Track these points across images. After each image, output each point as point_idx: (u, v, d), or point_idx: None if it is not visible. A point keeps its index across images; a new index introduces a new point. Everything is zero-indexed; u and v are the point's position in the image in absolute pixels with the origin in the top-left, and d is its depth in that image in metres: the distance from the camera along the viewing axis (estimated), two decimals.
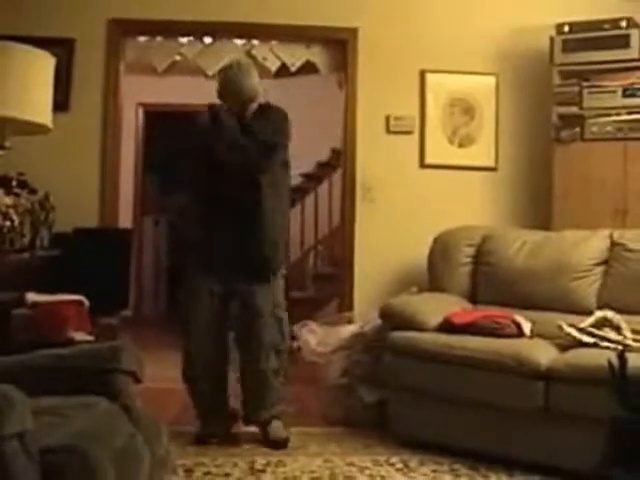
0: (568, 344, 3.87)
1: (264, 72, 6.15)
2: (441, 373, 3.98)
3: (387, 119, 5.62)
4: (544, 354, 3.78)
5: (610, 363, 2.66)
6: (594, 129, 5.18)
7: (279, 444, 4.10)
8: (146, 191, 9.14)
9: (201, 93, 7.86)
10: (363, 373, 4.60)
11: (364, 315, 5.02)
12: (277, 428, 4.19)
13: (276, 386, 4.19)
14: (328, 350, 4.70)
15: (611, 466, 2.44)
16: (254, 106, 4.20)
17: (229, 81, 4.17)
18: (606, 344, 3.73)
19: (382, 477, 3.68)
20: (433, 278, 4.99)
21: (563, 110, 5.27)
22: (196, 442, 4.09)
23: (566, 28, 5.25)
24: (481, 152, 5.71)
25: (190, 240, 4.33)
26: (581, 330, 3.89)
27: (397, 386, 4.21)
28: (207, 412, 4.23)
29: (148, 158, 8.96)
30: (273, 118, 4.16)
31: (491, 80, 5.70)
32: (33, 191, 4.63)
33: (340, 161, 5.95)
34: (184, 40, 5.80)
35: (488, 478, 3.68)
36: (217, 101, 4.21)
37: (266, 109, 4.23)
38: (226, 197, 4.10)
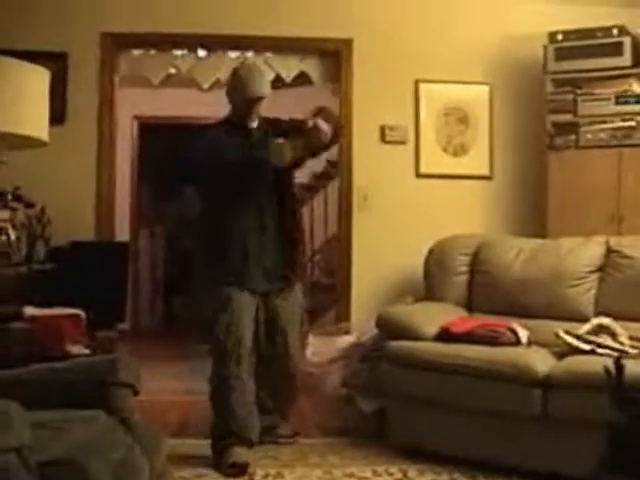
0: (565, 351, 3.88)
1: None
2: (439, 382, 3.98)
3: (382, 129, 5.64)
4: (541, 362, 3.78)
5: (607, 369, 2.67)
6: (588, 136, 5.20)
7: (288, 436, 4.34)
8: (142, 203, 9.15)
9: (196, 105, 7.94)
10: (361, 383, 4.59)
11: (361, 325, 5.02)
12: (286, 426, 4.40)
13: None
14: (324, 360, 4.70)
15: (608, 472, 2.45)
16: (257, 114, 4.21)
17: (239, 78, 4.14)
18: (603, 351, 3.73)
19: None
20: (429, 287, 4.99)
21: (557, 118, 5.30)
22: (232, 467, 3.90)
23: (559, 36, 5.28)
24: (476, 161, 5.73)
25: (207, 249, 4.23)
26: (578, 337, 3.90)
27: (395, 396, 4.21)
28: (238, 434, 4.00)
29: (143, 169, 8.97)
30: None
31: (485, 89, 5.73)
32: (29, 205, 4.63)
33: (336, 171, 5.96)
34: (178, 53, 5.82)
35: None
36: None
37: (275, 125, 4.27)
38: (253, 200, 4.11)
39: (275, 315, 4.17)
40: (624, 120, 5.12)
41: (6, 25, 5.27)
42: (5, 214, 4.10)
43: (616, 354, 3.50)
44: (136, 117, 8.60)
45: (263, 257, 4.10)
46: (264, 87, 4.14)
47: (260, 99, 4.12)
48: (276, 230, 4.14)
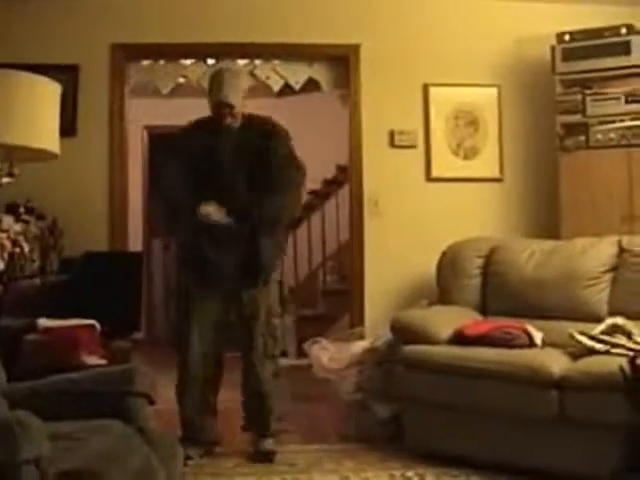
0: (580, 352, 3.87)
1: (267, 91, 6.20)
2: (454, 385, 3.98)
3: (391, 134, 5.64)
4: (556, 363, 3.78)
5: (622, 369, 2.66)
6: (598, 136, 5.19)
7: (264, 456, 4.12)
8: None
9: (205, 114, 7.95)
10: (376, 388, 4.59)
11: (375, 330, 5.02)
12: (268, 443, 4.20)
13: (271, 394, 4.20)
14: (340, 366, 4.70)
15: (626, 472, 2.44)
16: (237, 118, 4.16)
17: (211, 81, 4.19)
18: (618, 351, 3.72)
19: None
20: (443, 291, 4.99)
21: (566, 119, 5.29)
22: None
23: (567, 37, 5.27)
24: (486, 163, 5.72)
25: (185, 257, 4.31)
26: (592, 337, 3.89)
27: (410, 400, 4.21)
28: (190, 434, 4.15)
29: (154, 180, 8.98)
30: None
31: (494, 91, 5.72)
32: (41, 217, 4.66)
33: (346, 177, 5.96)
34: (187, 62, 5.84)
35: None
36: None
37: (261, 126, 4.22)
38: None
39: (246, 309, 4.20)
40: (634, 119, 5.10)
41: (17, 39, 5.30)
42: (18, 227, 4.13)
43: (631, 354, 3.49)
44: (146, 127, 8.63)
45: (228, 252, 4.09)
46: (229, 96, 4.06)
47: (225, 105, 4.08)
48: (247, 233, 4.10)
